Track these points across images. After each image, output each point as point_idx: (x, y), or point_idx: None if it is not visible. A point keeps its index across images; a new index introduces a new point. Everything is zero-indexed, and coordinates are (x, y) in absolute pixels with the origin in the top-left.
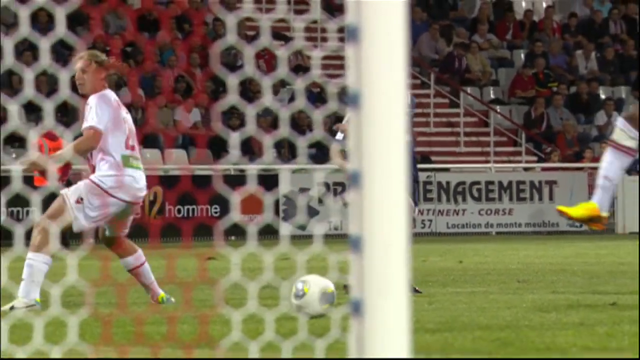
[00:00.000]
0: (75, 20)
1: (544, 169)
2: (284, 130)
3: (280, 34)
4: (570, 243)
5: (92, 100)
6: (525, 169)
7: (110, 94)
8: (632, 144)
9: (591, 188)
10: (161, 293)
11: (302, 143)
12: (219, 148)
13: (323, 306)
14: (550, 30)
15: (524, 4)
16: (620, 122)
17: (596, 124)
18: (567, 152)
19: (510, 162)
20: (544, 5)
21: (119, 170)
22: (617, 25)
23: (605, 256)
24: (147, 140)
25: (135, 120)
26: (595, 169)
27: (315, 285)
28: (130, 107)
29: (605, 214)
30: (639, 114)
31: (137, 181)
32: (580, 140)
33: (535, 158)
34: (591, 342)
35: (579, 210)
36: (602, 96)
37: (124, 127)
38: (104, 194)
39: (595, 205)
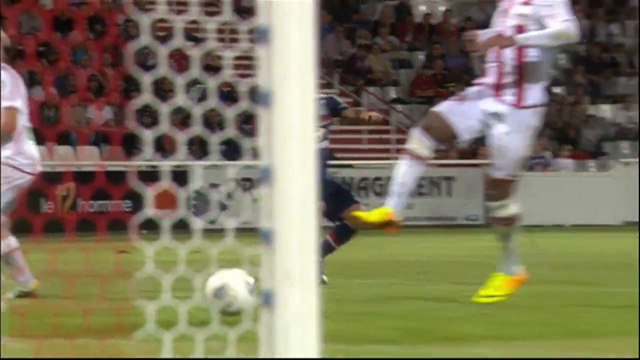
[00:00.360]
0: None
1: (442, 165)
2: (197, 128)
3: (192, 35)
4: (467, 236)
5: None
6: None
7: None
8: (426, 153)
9: (487, 183)
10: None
11: (214, 140)
12: (132, 145)
13: (252, 295)
14: (448, 33)
15: (423, 7)
16: (416, 132)
17: None
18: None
19: None
20: (442, 9)
21: (22, 143)
22: None
23: (500, 249)
24: (61, 137)
25: (48, 118)
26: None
27: (237, 284)
28: (44, 105)
29: (398, 218)
30: (433, 124)
31: (35, 154)
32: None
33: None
34: (486, 331)
35: (373, 215)
36: None
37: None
38: (14, 170)
39: (388, 210)
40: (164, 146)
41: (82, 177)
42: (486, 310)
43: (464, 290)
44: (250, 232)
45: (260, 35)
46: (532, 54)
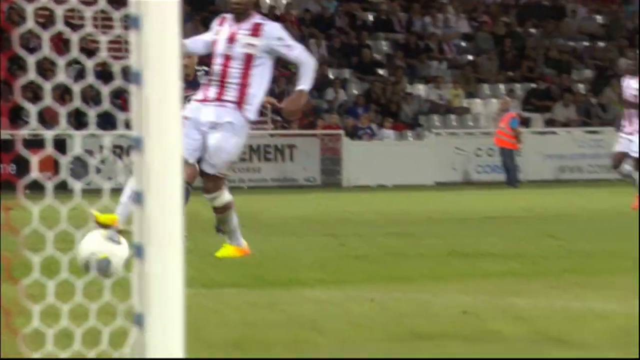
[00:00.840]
0: None
1: (285, 135)
2: (76, 102)
3: (71, 22)
4: (306, 196)
5: None
6: (271, 135)
7: None
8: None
9: (323, 151)
10: None
11: (91, 113)
12: (18, 117)
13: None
14: (290, 22)
15: (268, 0)
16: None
17: (326, 98)
18: (303, 121)
19: (258, 129)
20: (284, 2)
21: None
22: (341, 19)
23: (335, 206)
24: None
25: None
26: (327, 135)
27: (101, 246)
28: None
29: (123, 227)
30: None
31: None
32: (314, 112)
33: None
34: (326, 276)
35: (103, 217)
36: (331, 76)
37: None
38: None
39: (116, 217)
40: (46, 118)
41: None
42: (324, 258)
43: (304, 242)
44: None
45: (131, 23)
46: (254, 72)
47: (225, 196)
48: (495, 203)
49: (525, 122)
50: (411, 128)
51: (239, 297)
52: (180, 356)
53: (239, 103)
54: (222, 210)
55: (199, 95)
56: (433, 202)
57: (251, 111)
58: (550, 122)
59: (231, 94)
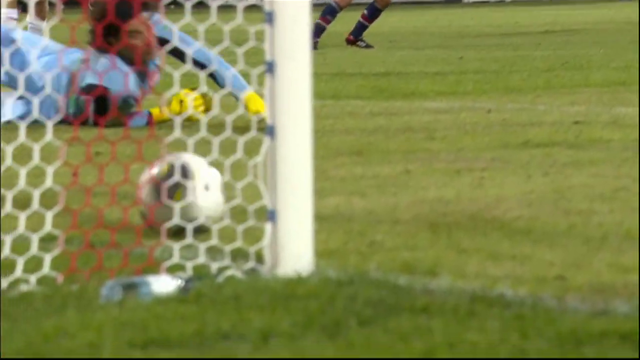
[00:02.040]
0: None
1: None
2: None
3: None
4: (426, 11)
5: None
6: None
7: None
8: None
9: None
10: None
11: None
12: None
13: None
14: None
15: None
16: None
17: None
18: None
19: None
20: None
21: None
22: None
23: (454, 21)
24: None
25: None
26: None
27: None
28: None
29: None
30: None
31: None
32: None
33: None
34: (444, 87)
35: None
36: None
37: None
38: None
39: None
40: None
41: None
42: (445, 70)
43: (425, 55)
44: (256, 9)
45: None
46: None
47: None
48: (603, 16)
49: None
50: None
51: (362, 107)
52: (309, 165)
53: None
54: None
55: None
56: (546, 15)
57: None
58: None
59: None
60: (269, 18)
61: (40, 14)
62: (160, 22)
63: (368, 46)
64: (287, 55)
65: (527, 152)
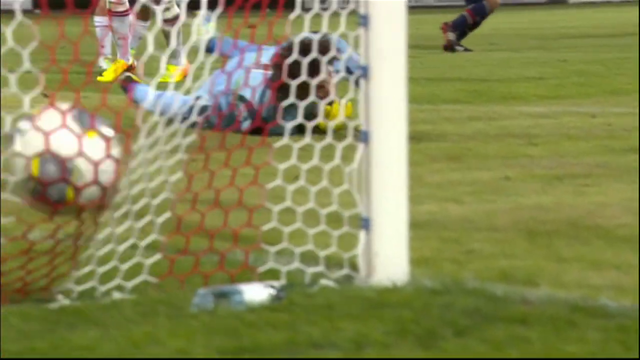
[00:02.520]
0: None
1: None
2: None
3: None
4: (527, 11)
5: None
6: None
7: None
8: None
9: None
10: None
11: None
12: None
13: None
14: None
15: None
16: None
17: None
18: None
19: None
20: None
21: None
22: None
23: (556, 21)
24: None
25: None
26: None
27: None
28: None
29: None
30: None
31: None
32: None
33: None
34: (546, 92)
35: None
36: None
37: None
38: None
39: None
40: None
41: None
42: (546, 74)
43: (524, 58)
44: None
45: (362, 21)
46: None
47: (175, 9)
48: None
49: None
50: None
51: (460, 112)
52: (404, 171)
53: None
54: (172, 23)
55: None
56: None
57: None
58: None
59: None
60: (364, 21)
61: (143, 16)
62: (353, 56)
63: (466, 50)
64: (382, 59)
65: (632, 157)
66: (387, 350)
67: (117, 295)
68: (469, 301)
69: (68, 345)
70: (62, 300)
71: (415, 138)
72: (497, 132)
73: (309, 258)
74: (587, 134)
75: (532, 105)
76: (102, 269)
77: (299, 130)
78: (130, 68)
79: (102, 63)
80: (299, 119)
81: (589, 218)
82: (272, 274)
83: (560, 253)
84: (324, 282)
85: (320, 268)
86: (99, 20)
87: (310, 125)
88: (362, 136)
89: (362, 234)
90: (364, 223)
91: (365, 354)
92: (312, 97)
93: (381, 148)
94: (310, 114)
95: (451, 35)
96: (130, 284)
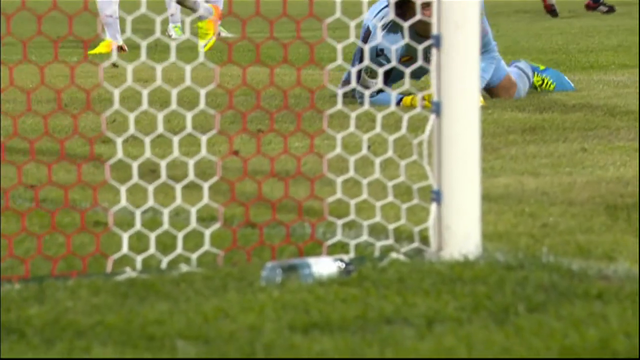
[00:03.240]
0: None
1: None
2: None
3: None
4: None
5: None
6: None
7: None
8: None
9: None
10: None
11: None
12: None
13: None
14: None
15: None
16: None
17: None
18: None
19: None
20: None
21: None
22: None
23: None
24: None
25: None
26: None
27: None
28: None
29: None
30: None
31: None
32: None
33: None
34: (627, 60)
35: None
36: None
37: None
38: None
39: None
40: None
41: None
42: (629, 42)
43: (607, 25)
44: None
45: None
46: None
47: None
48: None
49: None
50: None
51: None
52: (476, 142)
53: None
54: None
55: None
56: None
57: None
58: None
59: None
60: None
61: None
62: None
63: (610, 10)
64: (455, 28)
65: None
66: (461, 327)
67: (185, 267)
68: (544, 276)
69: (138, 318)
70: (130, 273)
71: (491, 108)
72: (576, 102)
73: (378, 231)
74: None
75: (613, 74)
76: (160, 238)
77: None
78: (120, 49)
79: (171, 31)
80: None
81: None
82: (340, 247)
83: None
84: (394, 255)
85: (389, 241)
86: None
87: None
88: (434, 107)
89: (433, 207)
90: (435, 196)
91: (438, 329)
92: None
93: (453, 119)
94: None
95: None
96: (194, 256)
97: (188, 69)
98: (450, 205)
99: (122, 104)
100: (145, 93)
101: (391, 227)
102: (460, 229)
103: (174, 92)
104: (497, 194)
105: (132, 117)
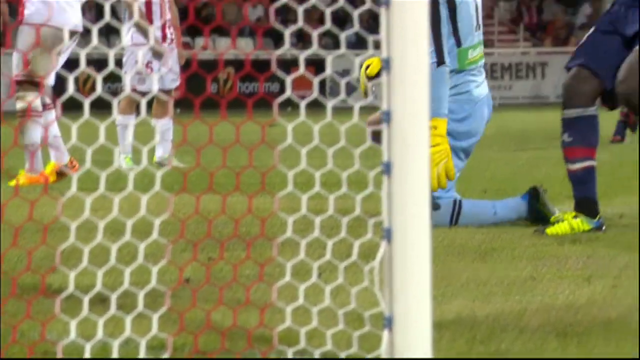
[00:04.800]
0: None
1: (537, 53)
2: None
3: None
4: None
5: None
6: (523, 53)
7: None
8: None
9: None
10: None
11: (342, 36)
12: (276, 39)
13: None
14: None
15: None
16: None
17: (583, 13)
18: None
19: (510, 47)
20: None
21: None
22: None
23: None
24: (219, 31)
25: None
26: None
27: None
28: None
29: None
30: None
31: None
32: (567, 28)
33: (530, 43)
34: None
35: None
36: None
37: None
38: None
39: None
40: (303, 38)
41: (238, 64)
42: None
43: (547, 155)
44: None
45: None
46: None
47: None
48: None
49: None
50: None
51: None
52: (427, 268)
53: None
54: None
55: None
56: None
57: None
58: None
59: None
60: (387, 118)
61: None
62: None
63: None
64: (406, 154)
65: None
66: None
67: None
68: None
69: None
70: None
71: (441, 231)
72: (526, 229)
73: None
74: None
75: (560, 204)
76: None
77: None
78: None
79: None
80: None
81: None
82: None
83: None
84: None
85: None
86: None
87: None
88: (385, 233)
89: (385, 334)
90: (387, 322)
91: None
92: None
93: (404, 245)
94: None
95: None
96: None
97: (144, 199)
98: (402, 332)
99: (78, 234)
100: (101, 225)
101: (343, 354)
102: (413, 356)
103: (129, 223)
104: (448, 320)
105: (86, 250)
